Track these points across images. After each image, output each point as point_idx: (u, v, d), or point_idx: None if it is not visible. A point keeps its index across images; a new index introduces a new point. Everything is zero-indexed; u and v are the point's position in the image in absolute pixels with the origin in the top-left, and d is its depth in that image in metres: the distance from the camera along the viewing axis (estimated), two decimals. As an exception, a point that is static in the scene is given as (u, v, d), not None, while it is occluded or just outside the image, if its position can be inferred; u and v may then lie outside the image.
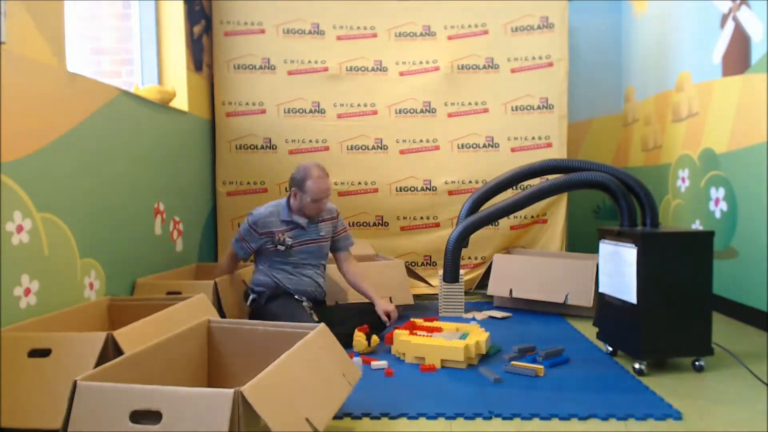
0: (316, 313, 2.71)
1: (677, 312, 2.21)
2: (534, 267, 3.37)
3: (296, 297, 2.74)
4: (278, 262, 2.79)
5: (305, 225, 2.78)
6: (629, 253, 2.24)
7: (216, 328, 1.90)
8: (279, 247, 2.75)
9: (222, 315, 2.58)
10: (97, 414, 1.26)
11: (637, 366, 2.22)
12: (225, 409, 1.22)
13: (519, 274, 3.34)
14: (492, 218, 2.62)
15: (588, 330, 2.82)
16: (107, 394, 1.28)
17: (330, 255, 2.95)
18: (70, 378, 1.31)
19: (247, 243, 2.78)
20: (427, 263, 4.02)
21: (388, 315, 2.73)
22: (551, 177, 2.68)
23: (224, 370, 1.86)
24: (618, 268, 2.33)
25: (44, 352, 1.67)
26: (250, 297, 2.80)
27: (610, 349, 2.47)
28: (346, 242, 2.95)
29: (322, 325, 1.84)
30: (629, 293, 2.25)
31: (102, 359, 1.63)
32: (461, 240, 2.57)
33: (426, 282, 3.67)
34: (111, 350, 1.71)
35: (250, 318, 2.75)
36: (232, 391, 1.23)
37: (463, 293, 3.25)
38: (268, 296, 2.75)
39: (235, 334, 1.89)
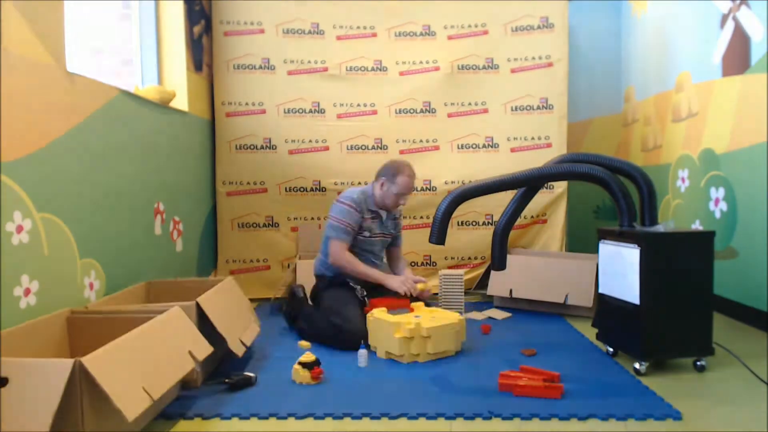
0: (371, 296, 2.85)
1: (679, 312, 2.22)
2: (534, 267, 3.37)
3: (351, 284, 2.89)
4: (353, 250, 2.91)
5: (385, 218, 2.98)
6: (631, 254, 2.23)
7: (78, 318, 2.06)
8: (365, 233, 2.91)
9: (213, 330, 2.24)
10: None
11: (637, 366, 2.22)
12: (63, 376, 1.38)
13: (519, 274, 3.34)
14: (487, 189, 2.61)
15: (588, 330, 2.82)
16: None
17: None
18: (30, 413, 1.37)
19: (352, 226, 2.87)
20: (426, 263, 4.02)
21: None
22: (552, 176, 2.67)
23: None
24: (619, 269, 2.33)
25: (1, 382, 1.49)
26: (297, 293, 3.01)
27: (611, 349, 2.47)
28: (398, 240, 3.16)
29: (176, 307, 1.99)
30: (631, 294, 2.25)
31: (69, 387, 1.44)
32: (453, 204, 2.57)
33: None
34: (81, 379, 1.46)
35: (306, 300, 2.99)
36: (72, 360, 1.40)
37: (463, 290, 3.25)
38: (326, 284, 2.92)
39: (97, 322, 2.04)
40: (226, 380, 2.13)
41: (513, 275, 3.30)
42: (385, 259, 3.17)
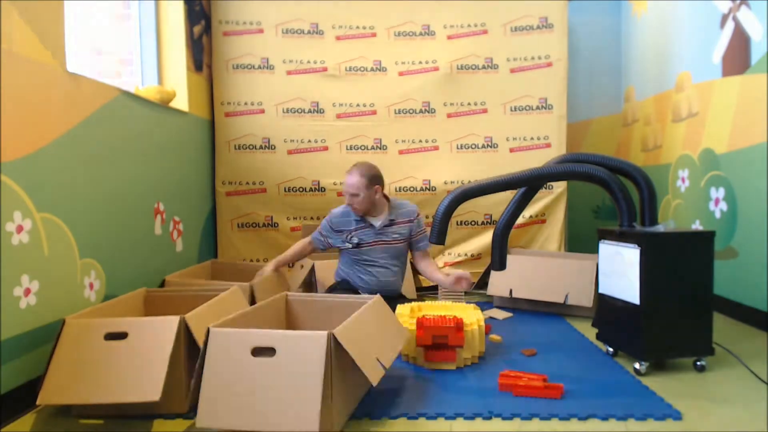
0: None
1: (679, 312, 2.22)
2: (534, 267, 3.37)
3: (357, 291, 2.92)
4: (352, 260, 2.98)
5: (378, 225, 2.93)
6: (632, 254, 2.24)
7: (292, 300, 2.33)
8: (345, 244, 2.95)
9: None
10: (225, 351, 1.65)
11: (637, 366, 2.22)
12: (322, 344, 1.62)
13: (519, 274, 3.34)
14: (487, 189, 2.60)
15: (588, 330, 2.82)
16: (234, 336, 1.68)
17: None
18: (147, 358, 1.77)
19: (325, 237, 3.01)
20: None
21: (459, 283, 2.82)
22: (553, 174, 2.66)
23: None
24: (619, 269, 2.33)
25: (121, 335, 1.84)
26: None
27: (611, 349, 2.47)
28: (421, 243, 3.06)
29: (378, 296, 2.17)
30: (631, 294, 2.25)
31: (177, 341, 1.83)
32: (453, 204, 2.57)
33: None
34: (183, 333, 1.87)
35: None
36: (326, 332, 1.63)
37: (463, 290, 3.25)
38: (332, 287, 3.00)
39: (307, 304, 2.33)
40: None
41: (513, 275, 3.30)
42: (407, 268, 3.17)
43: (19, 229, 1.95)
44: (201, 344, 1.69)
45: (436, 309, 2.66)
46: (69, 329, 1.88)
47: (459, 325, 2.30)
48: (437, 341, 2.29)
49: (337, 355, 1.64)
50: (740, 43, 3.02)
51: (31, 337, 1.99)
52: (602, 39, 4.67)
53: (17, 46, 1.97)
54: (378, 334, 1.98)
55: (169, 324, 1.84)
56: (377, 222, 2.93)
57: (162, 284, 2.94)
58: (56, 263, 2.14)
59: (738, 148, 3.04)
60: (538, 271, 3.33)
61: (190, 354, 1.88)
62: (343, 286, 2.97)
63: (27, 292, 1.98)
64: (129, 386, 1.74)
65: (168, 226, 3.15)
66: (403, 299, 3.00)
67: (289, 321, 2.32)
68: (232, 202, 3.93)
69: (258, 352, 1.64)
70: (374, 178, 2.88)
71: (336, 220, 2.97)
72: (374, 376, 1.72)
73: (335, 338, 1.63)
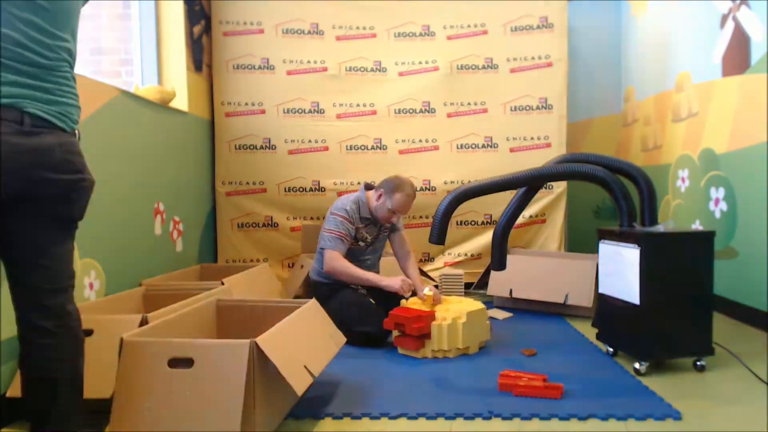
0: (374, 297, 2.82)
1: (679, 312, 2.22)
2: (534, 267, 3.37)
3: (353, 287, 2.83)
4: (348, 260, 2.83)
5: (376, 222, 2.91)
6: (631, 254, 2.23)
7: (222, 306, 2.21)
8: (360, 243, 2.87)
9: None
10: (140, 362, 1.57)
11: (637, 366, 2.22)
12: (243, 355, 1.53)
13: (519, 274, 3.33)
14: (488, 189, 2.59)
15: (588, 330, 2.82)
16: (149, 347, 1.59)
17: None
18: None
19: (346, 235, 2.79)
20: (425, 259, 4.03)
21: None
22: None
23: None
24: (619, 269, 2.32)
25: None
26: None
27: (611, 349, 2.47)
28: (399, 227, 3.05)
29: (313, 300, 2.12)
30: (631, 294, 2.25)
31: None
32: (453, 204, 2.56)
33: (427, 275, 3.68)
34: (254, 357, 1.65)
35: None
36: (248, 341, 1.55)
37: (463, 290, 3.26)
38: (326, 292, 2.78)
39: (238, 310, 2.19)
40: None
41: (513, 275, 3.30)
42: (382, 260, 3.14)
43: (19, 229, 1.94)
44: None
45: (449, 303, 2.67)
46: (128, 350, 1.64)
47: (420, 317, 2.42)
48: (399, 328, 2.48)
49: (261, 363, 1.56)
50: (740, 43, 3.02)
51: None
52: (602, 39, 4.67)
53: (17, 46, 1.96)
54: (308, 340, 1.91)
55: (240, 349, 1.59)
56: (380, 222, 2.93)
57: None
58: (56, 263, 2.13)
59: (738, 148, 3.04)
60: (538, 271, 3.33)
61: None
62: (336, 286, 2.83)
63: (27, 292, 1.97)
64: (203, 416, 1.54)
65: (168, 226, 3.15)
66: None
67: (220, 328, 2.17)
68: (232, 202, 3.93)
69: (175, 363, 1.55)
70: None
71: (353, 216, 2.82)
72: (299, 386, 1.63)
73: (258, 346, 1.55)
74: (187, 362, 1.55)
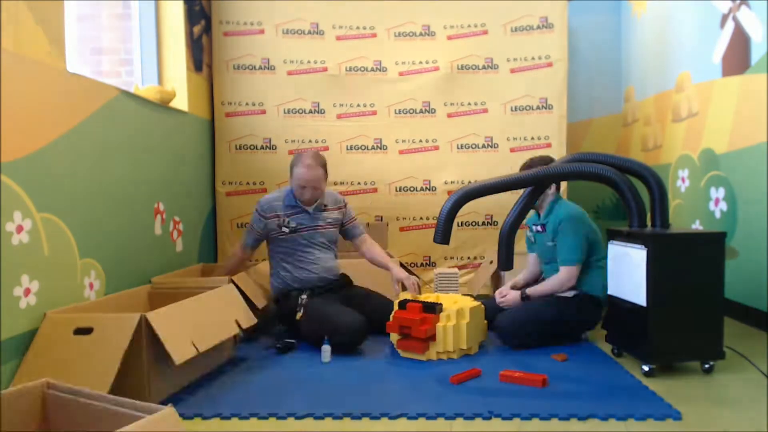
0: (346, 296, 2.83)
1: (687, 315, 2.17)
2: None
3: (297, 290, 2.78)
4: (290, 251, 2.82)
5: (311, 211, 2.85)
6: (639, 255, 2.20)
7: (154, 292, 2.54)
8: (283, 229, 2.82)
9: (251, 305, 2.65)
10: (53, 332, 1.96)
11: (645, 368, 2.20)
12: (131, 326, 1.89)
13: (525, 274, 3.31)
14: (492, 189, 2.55)
15: (591, 330, 2.82)
16: (63, 320, 2.00)
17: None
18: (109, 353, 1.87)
19: (254, 229, 2.87)
20: (426, 263, 4.02)
21: (403, 285, 2.75)
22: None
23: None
24: (627, 270, 2.29)
25: (87, 331, 1.96)
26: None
27: (614, 350, 2.46)
28: (356, 230, 3.05)
29: (229, 285, 2.39)
30: (638, 295, 2.21)
31: (136, 336, 1.94)
32: (457, 204, 2.52)
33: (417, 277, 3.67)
34: (144, 330, 1.97)
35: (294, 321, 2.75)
36: (138, 314, 1.91)
37: (458, 288, 3.26)
38: (296, 300, 2.75)
39: (170, 295, 2.40)
40: (277, 346, 2.57)
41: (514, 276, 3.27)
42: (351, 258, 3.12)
43: (19, 229, 1.95)
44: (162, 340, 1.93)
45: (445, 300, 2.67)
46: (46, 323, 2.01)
47: (426, 320, 2.38)
48: (404, 331, 2.45)
49: (150, 335, 1.92)
50: (740, 43, 3.02)
51: (31, 337, 1.99)
52: (602, 39, 4.67)
53: (17, 45, 1.97)
54: (204, 318, 2.19)
55: (130, 321, 1.94)
56: (310, 207, 2.85)
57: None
58: (56, 263, 2.14)
59: (738, 148, 3.04)
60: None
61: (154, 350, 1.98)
62: (286, 292, 2.82)
63: (27, 292, 1.98)
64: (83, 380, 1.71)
65: (168, 226, 3.15)
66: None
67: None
68: (232, 202, 3.93)
69: (79, 332, 1.91)
70: (326, 168, 2.86)
71: (265, 206, 2.85)
72: (178, 356, 1.94)
73: (147, 320, 1.91)
74: (88, 331, 1.90)
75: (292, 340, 2.63)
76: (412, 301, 2.53)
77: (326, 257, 2.91)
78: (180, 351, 1.96)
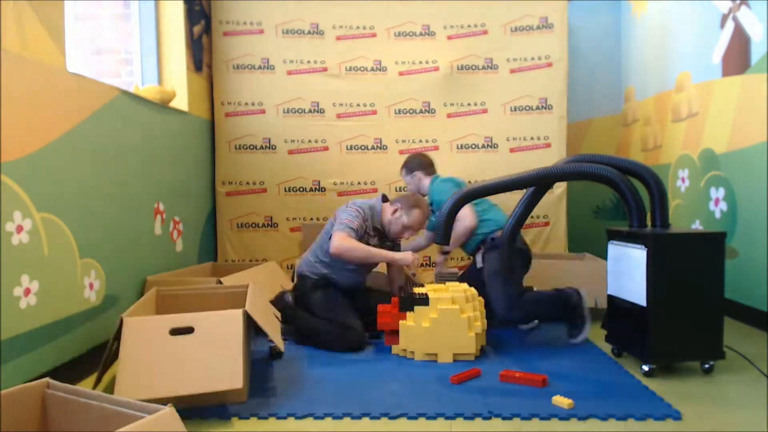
0: (353, 299, 2.81)
1: (687, 315, 2.17)
2: (538, 268, 3.34)
3: (336, 286, 2.80)
4: (343, 261, 2.75)
5: (388, 243, 2.90)
6: (639, 255, 2.20)
7: (164, 295, 2.43)
8: (366, 237, 2.81)
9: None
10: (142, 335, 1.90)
11: (645, 368, 2.20)
12: (239, 319, 1.97)
13: (530, 279, 3.30)
14: (493, 189, 2.53)
15: (591, 331, 2.81)
16: (148, 323, 1.97)
17: None
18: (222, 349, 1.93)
19: (358, 228, 2.72)
20: (426, 264, 4.03)
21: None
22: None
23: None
24: (627, 270, 2.29)
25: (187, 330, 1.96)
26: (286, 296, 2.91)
27: (614, 350, 2.46)
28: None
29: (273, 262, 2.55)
30: (638, 295, 2.21)
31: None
32: (459, 204, 2.52)
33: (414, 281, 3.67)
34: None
35: (293, 303, 2.86)
36: (241, 310, 1.99)
37: (456, 276, 3.25)
38: (310, 286, 2.80)
39: (177, 298, 2.42)
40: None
41: (526, 279, 3.26)
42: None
43: (19, 229, 1.95)
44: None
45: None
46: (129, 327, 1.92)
47: (392, 312, 2.44)
48: (388, 327, 2.51)
49: (246, 328, 2.00)
50: (740, 43, 3.02)
51: (31, 337, 1.99)
52: (602, 39, 4.67)
53: (17, 46, 1.97)
54: (266, 312, 2.34)
55: (234, 316, 1.99)
56: (389, 241, 2.90)
57: (143, 284, 2.84)
58: (56, 263, 2.14)
59: (738, 148, 3.04)
60: (541, 272, 3.30)
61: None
62: (322, 283, 2.82)
63: (27, 292, 1.98)
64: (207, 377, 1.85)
65: (168, 226, 3.15)
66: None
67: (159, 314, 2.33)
68: (233, 202, 3.93)
69: (176, 331, 1.90)
70: None
71: (365, 213, 2.79)
72: (281, 344, 2.19)
73: (248, 314, 1.99)
74: (188, 330, 1.90)
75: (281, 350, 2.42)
76: (407, 296, 2.52)
77: (365, 275, 2.93)
78: (279, 341, 2.19)
